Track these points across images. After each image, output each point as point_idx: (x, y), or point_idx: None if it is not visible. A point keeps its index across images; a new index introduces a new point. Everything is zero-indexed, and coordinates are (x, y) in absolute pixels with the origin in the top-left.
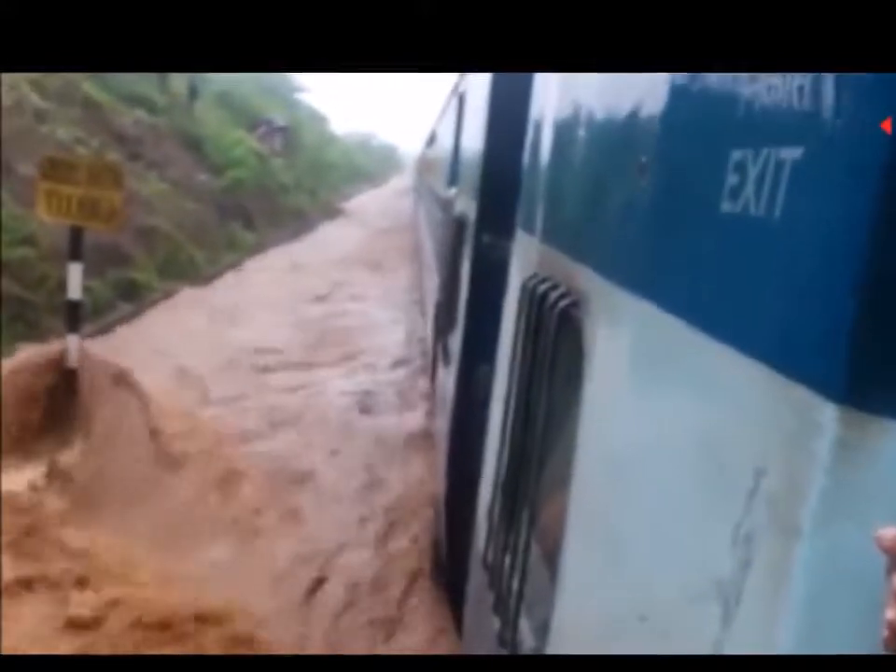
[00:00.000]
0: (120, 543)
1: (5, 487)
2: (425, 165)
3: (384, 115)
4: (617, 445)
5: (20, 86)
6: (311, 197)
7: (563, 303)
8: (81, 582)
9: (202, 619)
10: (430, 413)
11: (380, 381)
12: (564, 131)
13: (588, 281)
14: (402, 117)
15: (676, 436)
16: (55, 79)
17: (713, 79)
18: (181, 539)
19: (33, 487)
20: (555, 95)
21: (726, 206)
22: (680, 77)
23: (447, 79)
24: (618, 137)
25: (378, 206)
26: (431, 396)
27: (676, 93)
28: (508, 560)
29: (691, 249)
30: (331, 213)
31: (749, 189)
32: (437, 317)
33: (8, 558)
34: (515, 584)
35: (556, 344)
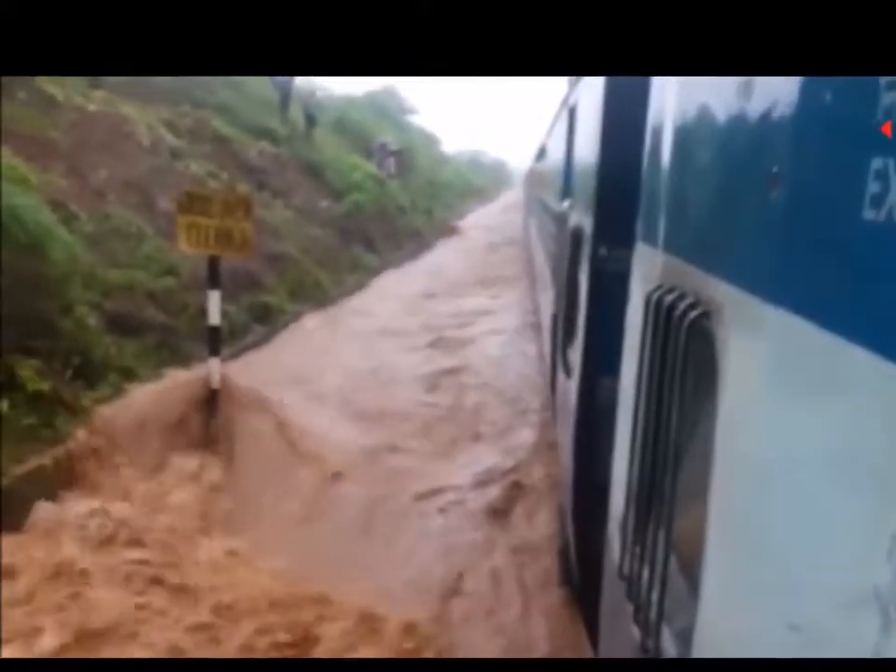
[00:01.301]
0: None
1: (152, 502)
2: (535, 179)
3: (492, 131)
4: (759, 455)
5: (156, 127)
6: (427, 217)
7: (692, 314)
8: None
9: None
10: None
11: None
12: (686, 140)
13: (721, 291)
14: (510, 132)
15: (823, 445)
16: (187, 118)
17: (846, 87)
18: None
19: (178, 501)
20: (675, 103)
21: (868, 214)
22: (812, 85)
23: (555, 93)
24: (747, 144)
25: (490, 221)
26: (551, 405)
27: (808, 101)
28: (646, 570)
29: (830, 258)
30: (447, 231)
31: (893, 196)
32: (554, 329)
33: (153, 567)
34: (655, 594)
35: (686, 355)
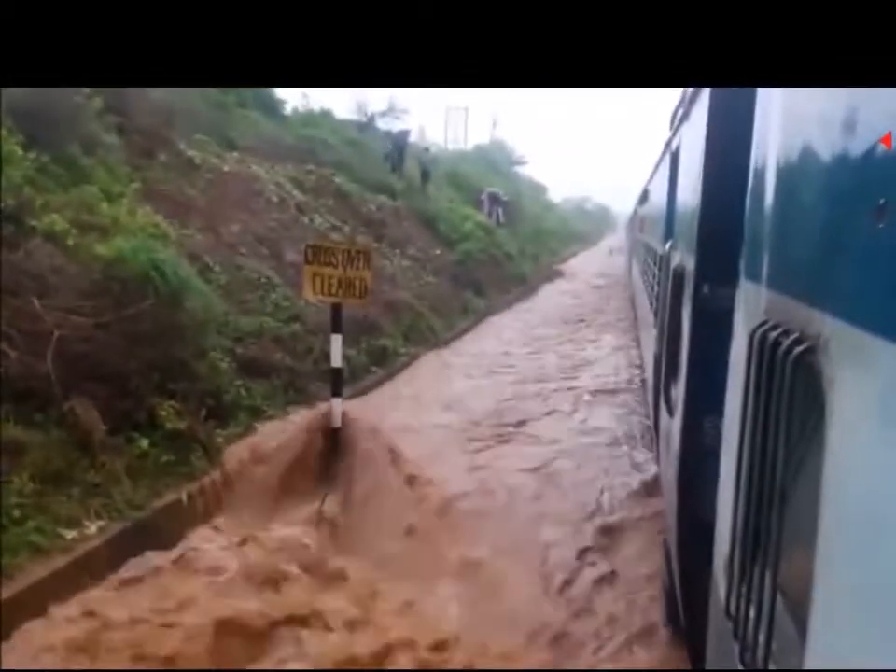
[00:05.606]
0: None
1: (278, 534)
2: (637, 222)
3: (597, 178)
4: (870, 493)
5: (284, 184)
6: (533, 262)
7: (797, 349)
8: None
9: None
10: None
11: None
12: (791, 177)
13: (827, 325)
14: (614, 178)
15: None
16: (312, 176)
17: None
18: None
19: (302, 534)
20: (778, 141)
21: None
22: None
23: (658, 139)
24: (854, 175)
25: (592, 266)
26: (654, 443)
27: None
28: (753, 610)
29: None
30: (551, 276)
31: None
32: (657, 368)
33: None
34: (762, 635)
35: (791, 390)
